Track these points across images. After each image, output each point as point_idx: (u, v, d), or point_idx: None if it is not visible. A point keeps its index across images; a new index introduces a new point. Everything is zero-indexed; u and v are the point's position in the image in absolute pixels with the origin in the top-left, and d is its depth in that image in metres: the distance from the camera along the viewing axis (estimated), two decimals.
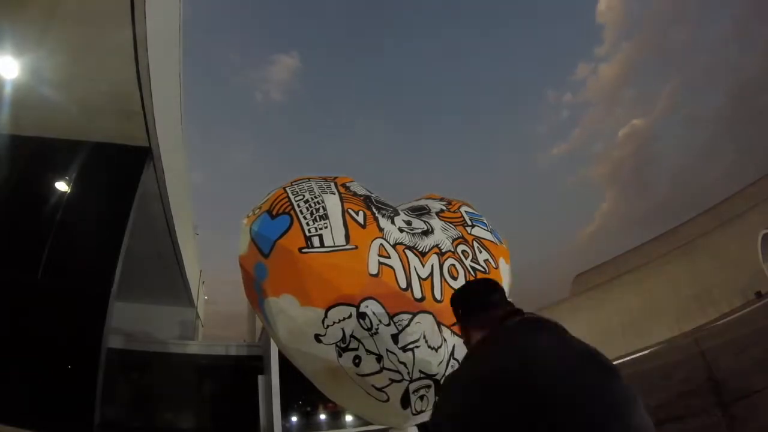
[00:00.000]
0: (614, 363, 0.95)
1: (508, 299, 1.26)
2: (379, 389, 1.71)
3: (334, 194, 1.90)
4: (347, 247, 1.73)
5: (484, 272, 2.09)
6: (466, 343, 1.23)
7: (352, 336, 1.65)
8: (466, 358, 1.13)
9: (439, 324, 1.82)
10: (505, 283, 2.23)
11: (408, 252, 1.89)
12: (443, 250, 2.01)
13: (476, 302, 1.23)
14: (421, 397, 1.77)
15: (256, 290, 1.81)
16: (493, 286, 1.28)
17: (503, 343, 1.03)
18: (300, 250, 1.68)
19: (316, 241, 1.70)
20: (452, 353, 1.86)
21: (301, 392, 9.54)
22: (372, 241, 1.80)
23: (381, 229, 1.88)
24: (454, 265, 1.99)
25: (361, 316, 1.65)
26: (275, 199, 1.87)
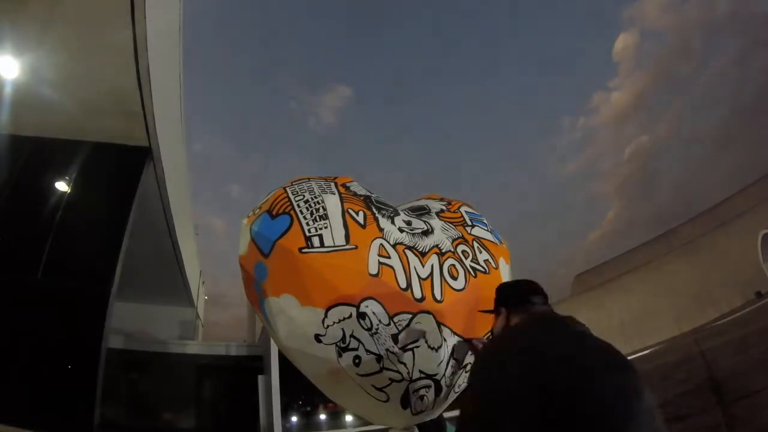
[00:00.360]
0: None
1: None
2: (379, 389, 1.72)
3: (334, 194, 1.90)
4: (347, 247, 1.73)
5: (484, 272, 2.09)
6: (498, 327, 1.37)
7: (352, 336, 1.65)
8: (504, 332, 1.29)
9: (439, 324, 1.82)
10: None
11: (408, 252, 1.89)
12: (443, 250, 2.01)
13: (525, 293, 1.35)
14: (421, 397, 1.77)
15: (256, 290, 1.81)
16: (540, 287, 1.40)
17: (540, 324, 1.19)
18: (300, 250, 1.68)
19: (316, 241, 1.70)
20: (452, 353, 1.86)
21: (301, 392, 9.54)
22: (372, 241, 1.80)
23: (381, 229, 1.88)
24: (454, 265, 1.99)
25: (361, 316, 1.65)
26: (275, 199, 1.87)
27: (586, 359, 0.98)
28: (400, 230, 1.96)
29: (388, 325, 1.68)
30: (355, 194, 2.02)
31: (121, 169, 6.02)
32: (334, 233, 1.74)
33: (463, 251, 2.09)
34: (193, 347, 11.13)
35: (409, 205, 2.41)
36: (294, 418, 9.83)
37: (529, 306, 1.30)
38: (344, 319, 1.64)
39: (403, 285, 1.78)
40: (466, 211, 2.40)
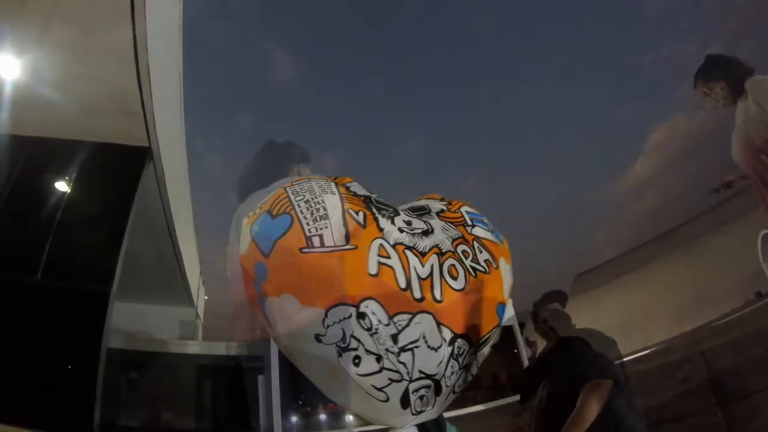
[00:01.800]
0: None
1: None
2: (379, 389, 1.71)
3: (335, 194, 1.90)
4: (347, 247, 1.72)
5: (485, 272, 2.08)
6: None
7: (352, 336, 1.64)
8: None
9: (438, 324, 1.81)
10: (506, 282, 2.23)
11: (408, 252, 1.88)
12: (443, 250, 2.00)
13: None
14: (421, 397, 1.76)
15: (256, 290, 1.81)
16: None
17: None
18: (300, 249, 1.68)
19: (316, 241, 1.70)
20: (452, 353, 1.85)
21: (301, 392, 9.53)
22: (372, 241, 1.80)
23: (381, 229, 1.87)
24: (454, 265, 1.98)
25: (361, 316, 1.65)
26: (275, 199, 1.87)
27: None
28: (400, 230, 1.95)
29: (388, 325, 1.68)
30: (355, 194, 2.02)
31: (121, 169, 6.02)
32: (334, 233, 1.73)
33: (464, 251, 2.08)
34: (193, 347, 11.13)
35: (409, 205, 2.41)
36: (294, 418, 9.83)
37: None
38: (344, 319, 1.64)
39: (403, 285, 1.77)
40: (466, 211, 2.39)
